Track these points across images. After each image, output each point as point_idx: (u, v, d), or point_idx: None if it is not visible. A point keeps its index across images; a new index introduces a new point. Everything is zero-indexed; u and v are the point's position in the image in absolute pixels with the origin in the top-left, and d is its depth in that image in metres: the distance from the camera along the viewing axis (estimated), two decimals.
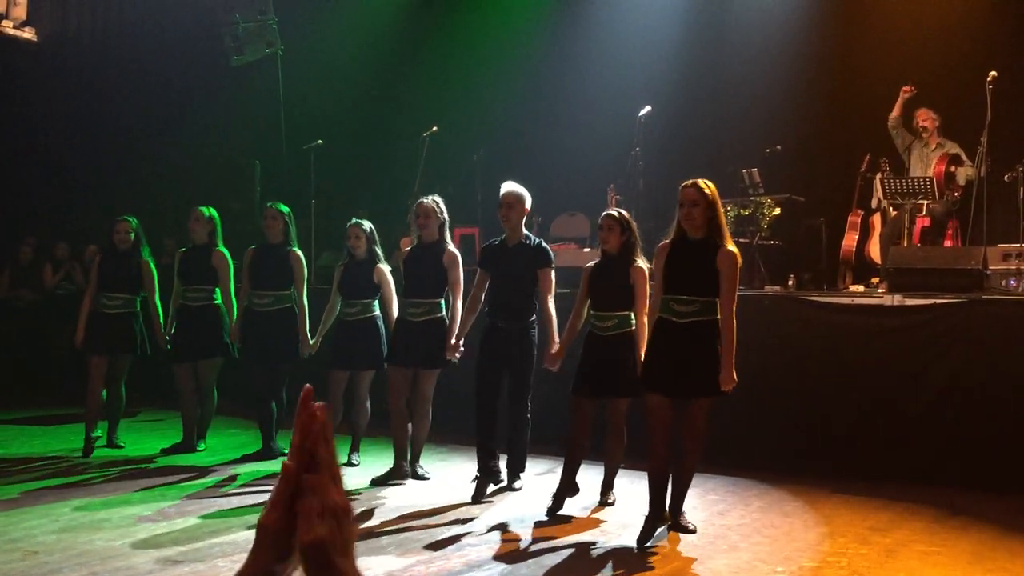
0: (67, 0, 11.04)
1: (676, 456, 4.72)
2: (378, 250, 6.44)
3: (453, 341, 5.74)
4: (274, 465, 6.46)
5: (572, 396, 5.28)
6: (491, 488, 5.70)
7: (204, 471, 6.33)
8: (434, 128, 9.02)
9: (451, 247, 5.96)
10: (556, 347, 5.34)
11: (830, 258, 8.31)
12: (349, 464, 6.43)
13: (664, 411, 4.59)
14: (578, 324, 5.39)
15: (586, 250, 8.32)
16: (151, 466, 6.49)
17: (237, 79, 10.37)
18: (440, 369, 5.96)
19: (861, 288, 7.53)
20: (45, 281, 10.05)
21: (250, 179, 9.87)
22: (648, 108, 8.22)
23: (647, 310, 5.07)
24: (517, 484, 5.81)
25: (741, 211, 8.16)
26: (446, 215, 6.01)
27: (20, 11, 10.68)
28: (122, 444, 7.11)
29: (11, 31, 10.61)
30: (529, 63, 10.23)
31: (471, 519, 5.16)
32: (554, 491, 5.28)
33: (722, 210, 4.72)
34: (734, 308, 4.54)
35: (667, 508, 4.71)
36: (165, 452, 6.78)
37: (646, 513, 4.68)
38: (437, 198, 6.03)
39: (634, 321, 5.19)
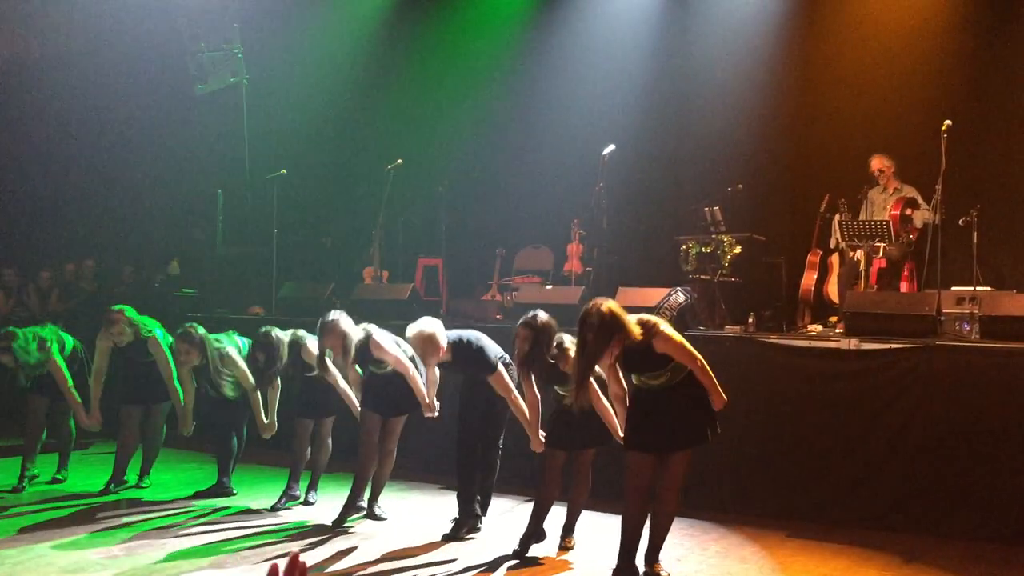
0: (29, 24, 10.91)
1: (652, 504, 4.74)
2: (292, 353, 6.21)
3: (427, 400, 5.61)
4: (225, 502, 6.37)
5: (546, 447, 5.32)
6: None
7: (155, 508, 6.21)
8: (399, 161, 9.03)
9: (374, 337, 5.69)
10: (534, 438, 5.33)
11: (789, 296, 8.40)
12: (306, 503, 6.36)
13: (645, 470, 4.62)
14: (537, 406, 5.31)
15: (548, 286, 8.34)
16: (97, 501, 6.37)
17: (201, 108, 10.31)
18: (408, 414, 5.96)
19: (819, 328, 7.62)
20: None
21: (213, 208, 9.79)
22: (612, 147, 8.29)
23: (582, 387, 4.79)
24: (479, 525, 5.78)
25: (703, 249, 8.25)
26: (351, 331, 5.70)
27: None
28: (62, 478, 6.99)
29: None
30: (496, 98, 10.29)
31: (436, 564, 5.10)
32: (521, 535, 5.28)
33: (621, 319, 4.45)
34: (701, 363, 4.55)
35: (635, 560, 4.71)
36: (102, 492, 6.60)
37: (614, 565, 4.67)
38: (336, 321, 5.69)
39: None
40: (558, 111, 10.02)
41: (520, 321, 5.20)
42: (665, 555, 4.92)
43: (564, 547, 5.39)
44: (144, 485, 6.81)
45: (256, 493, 6.59)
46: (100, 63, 10.91)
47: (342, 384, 6.02)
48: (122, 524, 5.79)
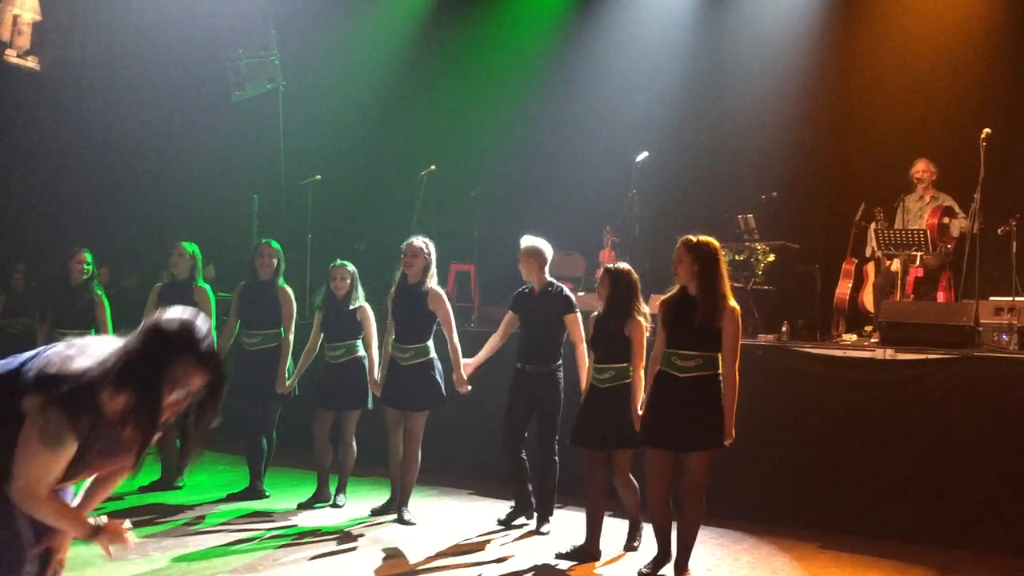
0: (71, 31, 11.11)
1: (677, 509, 4.75)
2: (360, 291, 6.40)
3: (465, 374, 5.91)
4: (258, 504, 6.43)
5: (571, 445, 5.38)
6: (521, 520, 5.95)
7: (189, 509, 6.28)
8: (432, 167, 9.07)
9: (435, 287, 5.98)
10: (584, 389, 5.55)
11: (824, 305, 8.32)
12: (334, 505, 6.39)
13: (663, 466, 4.63)
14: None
15: (580, 293, 8.32)
16: (124, 505, 6.43)
17: (238, 113, 10.43)
18: (428, 410, 5.98)
19: (854, 337, 7.55)
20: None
21: (248, 213, 9.89)
22: (646, 154, 8.27)
23: (643, 364, 5.11)
24: (545, 528, 5.83)
25: (736, 256, 8.19)
26: (433, 256, 6.03)
27: (24, 40, 10.72)
28: None
29: (14, 60, 10.66)
30: (530, 105, 10.32)
31: (463, 569, 5.12)
32: (576, 546, 5.29)
33: (721, 263, 4.71)
34: (737, 365, 4.60)
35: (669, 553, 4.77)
36: (144, 489, 6.66)
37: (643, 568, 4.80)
38: (426, 239, 6.07)
39: (631, 373, 5.19)
40: (592, 118, 10.02)
41: (603, 268, 5.52)
42: (695, 564, 4.90)
43: (630, 547, 5.45)
44: (179, 485, 6.88)
45: (288, 495, 6.64)
46: (139, 70, 11.09)
47: (374, 346, 6.19)
48: (157, 524, 5.87)
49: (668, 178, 9.25)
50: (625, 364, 5.19)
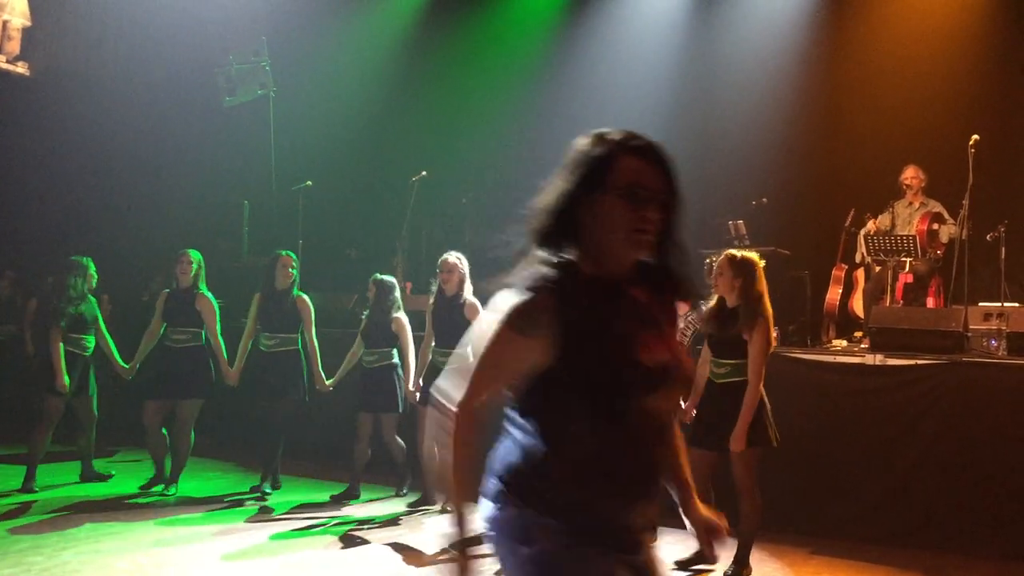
0: (61, 36, 11.08)
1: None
2: (396, 297, 6.69)
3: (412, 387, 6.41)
4: (256, 504, 6.47)
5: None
6: None
7: (182, 513, 6.25)
8: (423, 173, 9.07)
9: (471, 299, 6.22)
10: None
11: (814, 311, 8.35)
12: (396, 493, 6.78)
13: (702, 465, 4.85)
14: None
15: None
16: (125, 503, 6.42)
17: (228, 119, 10.42)
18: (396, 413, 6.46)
19: (844, 343, 7.57)
20: (27, 316, 9.94)
21: (238, 219, 9.87)
22: None
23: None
24: None
25: None
26: (467, 269, 6.28)
27: (14, 45, 10.69)
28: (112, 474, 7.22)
29: (4, 65, 10.62)
30: (520, 111, 10.32)
31: None
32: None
33: (759, 278, 4.95)
34: (760, 374, 4.88)
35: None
36: (144, 488, 6.81)
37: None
38: (460, 254, 6.35)
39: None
40: (582, 123, 9.95)
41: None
42: (688, 570, 4.91)
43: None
44: (169, 493, 6.84)
45: (289, 496, 6.62)
46: (130, 75, 11.06)
47: (411, 355, 6.48)
48: (149, 530, 5.84)
49: None
50: None
